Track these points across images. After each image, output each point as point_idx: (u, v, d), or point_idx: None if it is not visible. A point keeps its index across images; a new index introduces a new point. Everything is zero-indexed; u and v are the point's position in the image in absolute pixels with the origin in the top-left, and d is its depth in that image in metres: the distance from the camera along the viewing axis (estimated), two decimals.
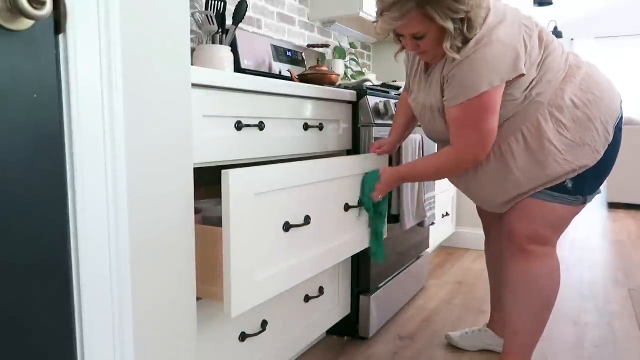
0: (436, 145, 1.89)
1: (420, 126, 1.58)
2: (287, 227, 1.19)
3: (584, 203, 1.37)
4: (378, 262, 1.56)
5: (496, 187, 1.39)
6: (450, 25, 1.19)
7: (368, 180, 1.52)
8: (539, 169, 1.31)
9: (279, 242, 1.17)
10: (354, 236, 1.51)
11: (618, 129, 1.35)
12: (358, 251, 1.55)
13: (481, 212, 1.72)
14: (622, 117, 1.37)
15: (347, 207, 1.46)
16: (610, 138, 1.32)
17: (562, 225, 1.39)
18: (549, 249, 1.40)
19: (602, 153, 1.31)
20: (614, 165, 1.39)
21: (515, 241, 1.40)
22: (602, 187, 1.42)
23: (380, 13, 1.24)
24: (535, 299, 1.40)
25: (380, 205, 1.58)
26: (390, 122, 1.84)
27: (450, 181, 1.56)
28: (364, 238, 1.58)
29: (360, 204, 1.52)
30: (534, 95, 1.28)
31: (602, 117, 1.31)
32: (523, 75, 1.24)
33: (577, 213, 1.39)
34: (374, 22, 1.31)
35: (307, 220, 1.26)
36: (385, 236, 1.63)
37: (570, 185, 1.32)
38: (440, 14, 1.18)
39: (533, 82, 1.28)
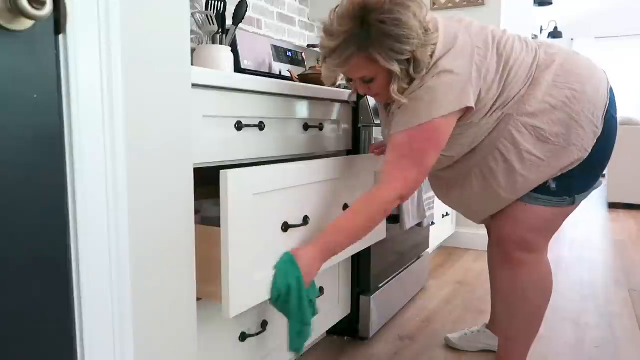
0: None
1: None
2: (286, 227, 1.19)
3: (573, 203, 1.30)
4: (293, 351, 1.16)
5: (483, 205, 1.37)
6: (395, 67, 1.13)
7: (288, 277, 1.09)
8: (523, 183, 1.26)
9: (278, 242, 1.17)
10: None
11: (610, 118, 1.24)
12: (356, 252, 1.55)
13: None
14: (611, 103, 1.26)
15: (345, 207, 1.46)
16: (599, 131, 1.23)
17: (549, 228, 1.33)
18: (537, 256, 1.35)
19: (590, 150, 1.23)
20: (610, 156, 1.30)
21: (502, 248, 1.37)
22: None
23: (324, 59, 1.19)
24: (524, 307, 1.38)
25: (310, 291, 1.15)
26: None
27: (438, 197, 1.53)
28: (366, 237, 1.58)
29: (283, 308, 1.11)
30: (501, 113, 1.22)
31: (586, 111, 1.21)
32: (471, 108, 1.18)
33: (567, 214, 1.33)
34: (320, 66, 1.24)
35: (306, 220, 1.26)
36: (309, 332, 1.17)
37: (553, 185, 1.26)
38: (384, 56, 1.11)
39: (497, 102, 1.22)
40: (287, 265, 1.11)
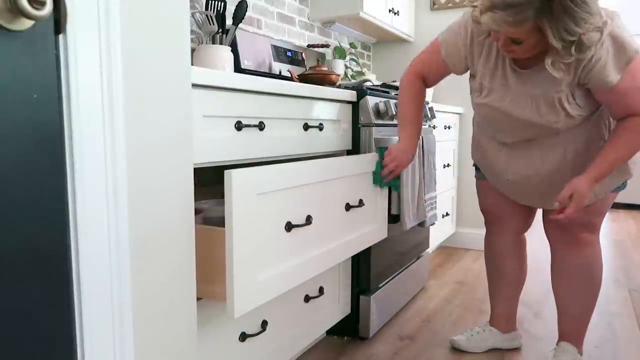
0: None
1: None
2: (289, 227, 1.19)
3: (625, 187, 1.47)
4: (376, 184, 1.65)
5: (562, 175, 1.42)
6: (559, 45, 1.13)
7: None
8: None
9: (281, 242, 1.18)
10: (355, 236, 1.51)
11: None
12: (359, 250, 1.55)
13: (499, 204, 1.66)
14: None
15: (348, 207, 1.46)
16: None
17: (606, 211, 1.49)
18: (597, 236, 1.51)
19: None
20: None
21: (569, 230, 1.50)
22: None
23: (490, 7, 1.13)
24: (590, 284, 1.52)
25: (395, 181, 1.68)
26: (390, 122, 1.84)
27: (515, 175, 1.49)
28: (365, 237, 1.59)
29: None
30: None
31: None
32: None
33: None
34: (473, 11, 1.25)
35: (309, 220, 1.26)
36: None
37: None
38: (554, 32, 1.11)
39: None
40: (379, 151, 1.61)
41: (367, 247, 1.61)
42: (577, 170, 1.40)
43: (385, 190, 1.71)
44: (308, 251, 1.28)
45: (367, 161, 1.54)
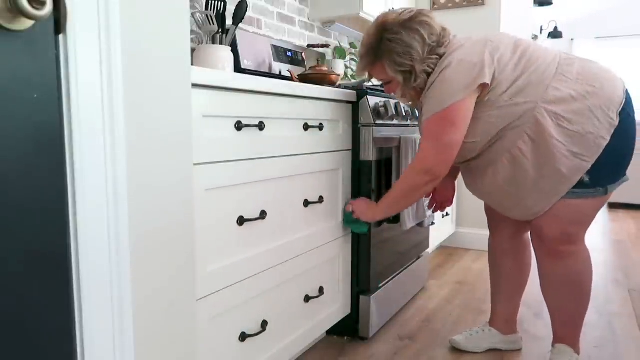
0: None
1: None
2: (241, 221, 1.23)
3: (606, 193, 1.40)
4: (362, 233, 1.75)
5: (518, 192, 1.43)
6: (399, 77, 1.41)
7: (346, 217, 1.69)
8: (549, 163, 1.35)
9: (233, 236, 1.21)
10: (314, 231, 1.54)
11: (626, 115, 1.36)
12: (320, 245, 1.58)
13: (488, 207, 1.73)
14: (627, 103, 1.38)
15: (306, 203, 1.48)
16: (615, 122, 1.34)
17: (588, 220, 1.45)
18: (580, 245, 1.47)
19: (608, 138, 1.33)
20: (633, 151, 1.41)
21: (545, 242, 1.46)
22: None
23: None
24: (577, 292, 1.49)
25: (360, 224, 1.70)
26: (390, 122, 1.84)
27: (470, 189, 1.59)
28: (326, 233, 1.62)
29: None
30: (523, 101, 1.34)
31: (602, 105, 1.33)
32: (486, 84, 1.32)
33: (602, 204, 1.43)
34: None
35: (263, 214, 1.29)
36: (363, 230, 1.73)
37: (586, 179, 1.37)
38: (389, 67, 1.40)
39: (512, 86, 1.34)
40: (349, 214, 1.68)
41: (328, 242, 1.64)
42: (513, 189, 1.43)
43: (349, 188, 1.72)
44: (262, 245, 1.32)
45: (322, 161, 1.56)
